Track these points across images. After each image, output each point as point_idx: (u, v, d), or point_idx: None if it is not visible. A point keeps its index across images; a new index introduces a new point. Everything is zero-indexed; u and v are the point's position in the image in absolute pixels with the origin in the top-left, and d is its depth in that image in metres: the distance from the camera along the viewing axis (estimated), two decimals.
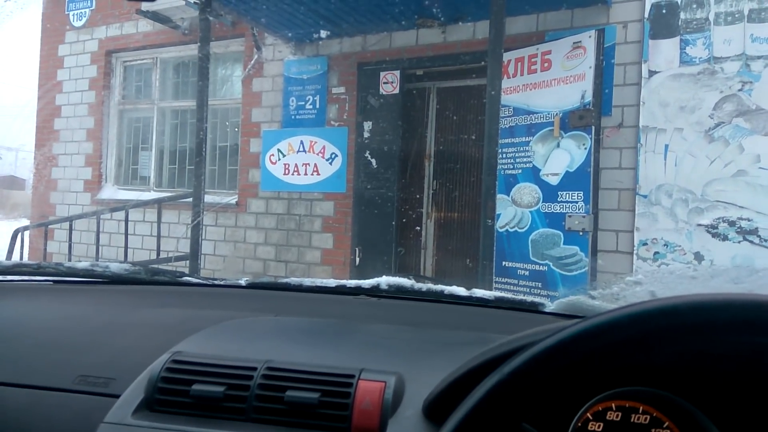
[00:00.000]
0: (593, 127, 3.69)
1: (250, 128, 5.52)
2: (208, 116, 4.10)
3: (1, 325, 1.03)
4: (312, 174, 5.20)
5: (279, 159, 5.33)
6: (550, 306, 1.06)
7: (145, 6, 5.38)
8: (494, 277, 3.47)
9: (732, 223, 3.65)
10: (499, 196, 3.63)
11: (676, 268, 3.53)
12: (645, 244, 3.89)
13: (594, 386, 0.70)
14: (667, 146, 3.87)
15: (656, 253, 3.85)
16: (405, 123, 4.90)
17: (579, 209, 3.69)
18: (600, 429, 0.70)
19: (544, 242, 3.85)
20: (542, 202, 3.90)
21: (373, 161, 4.92)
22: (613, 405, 0.70)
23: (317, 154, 5.19)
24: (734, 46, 3.72)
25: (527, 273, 3.94)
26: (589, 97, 3.70)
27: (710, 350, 0.62)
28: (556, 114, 3.86)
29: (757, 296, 0.46)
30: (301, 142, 5.25)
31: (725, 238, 3.67)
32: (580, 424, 0.69)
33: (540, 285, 3.84)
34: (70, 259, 5.49)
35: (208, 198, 4.50)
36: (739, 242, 3.63)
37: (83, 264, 1.30)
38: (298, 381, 0.72)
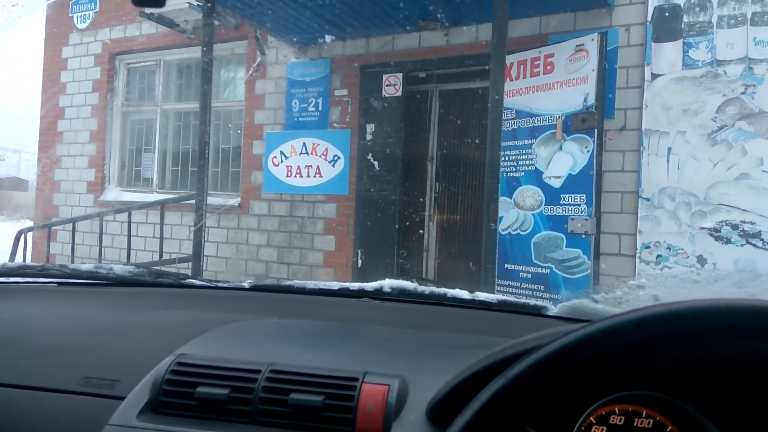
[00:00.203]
0: (596, 130, 3.69)
1: (253, 130, 5.53)
2: (211, 118, 4.11)
3: (6, 327, 1.04)
4: (314, 176, 5.21)
5: (282, 161, 5.34)
6: (553, 309, 1.06)
7: (148, 8, 5.40)
8: (496, 280, 3.47)
9: (735, 227, 3.64)
10: (501, 198, 3.63)
11: (679, 272, 3.53)
12: (648, 247, 3.88)
13: (597, 390, 0.70)
14: (669, 149, 3.87)
15: (659, 256, 3.85)
16: (407, 125, 4.91)
17: (581, 212, 3.69)
18: None
19: (547, 245, 3.85)
20: (545, 204, 3.90)
21: (376, 164, 4.92)
22: (617, 409, 0.70)
23: (320, 157, 5.19)
24: (737, 49, 3.71)
25: (529, 276, 3.94)
26: (591, 100, 3.70)
27: (713, 355, 0.62)
28: (559, 117, 3.86)
29: (759, 302, 0.46)
30: (304, 145, 5.26)
31: (728, 241, 3.66)
32: (583, 428, 0.70)
33: (542, 288, 3.84)
34: (73, 261, 5.50)
35: (210, 200, 4.50)
36: (742, 245, 3.62)
37: (87, 266, 1.31)
38: (302, 384, 0.72)
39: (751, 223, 3.60)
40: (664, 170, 3.88)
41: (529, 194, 4.00)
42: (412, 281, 1.21)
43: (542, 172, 3.94)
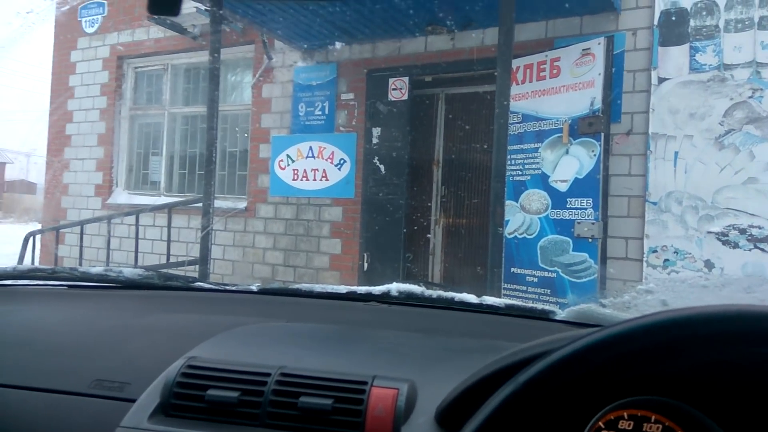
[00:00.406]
0: (602, 134, 3.68)
1: (260, 134, 5.55)
2: (218, 122, 4.13)
3: (18, 329, 1.05)
4: (321, 180, 5.22)
5: (288, 164, 5.36)
6: (561, 314, 1.06)
7: (163, 16, 5.43)
8: (503, 284, 3.46)
9: (743, 231, 3.63)
10: (507, 202, 3.62)
11: (687, 277, 3.51)
12: (655, 251, 3.87)
13: (606, 395, 0.70)
14: (676, 153, 3.86)
15: (666, 260, 3.84)
16: (413, 129, 4.92)
17: (588, 216, 3.68)
18: None
19: (553, 249, 3.84)
20: (551, 208, 3.90)
21: (382, 167, 4.93)
22: (626, 414, 0.70)
23: (326, 160, 5.21)
24: (744, 53, 3.70)
25: (536, 280, 3.93)
26: (598, 104, 3.70)
27: (723, 360, 0.62)
28: (565, 121, 3.86)
29: None
30: (310, 148, 5.27)
31: (736, 245, 3.64)
32: None
33: (549, 292, 3.83)
34: (81, 263, 5.53)
35: (217, 203, 4.52)
36: (749, 250, 3.60)
37: (97, 269, 1.32)
38: (312, 387, 0.73)
39: (759, 228, 3.58)
40: (671, 174, 3.87)
41: (536, 198, 4.00)
42: (419, 285, 1.22)
43: (548, 176, 3.93)
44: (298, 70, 5.36)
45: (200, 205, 4.19)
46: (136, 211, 5.34)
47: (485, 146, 4.62)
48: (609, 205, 3.88)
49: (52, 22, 6.93)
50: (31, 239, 5.73)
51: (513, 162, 4.06)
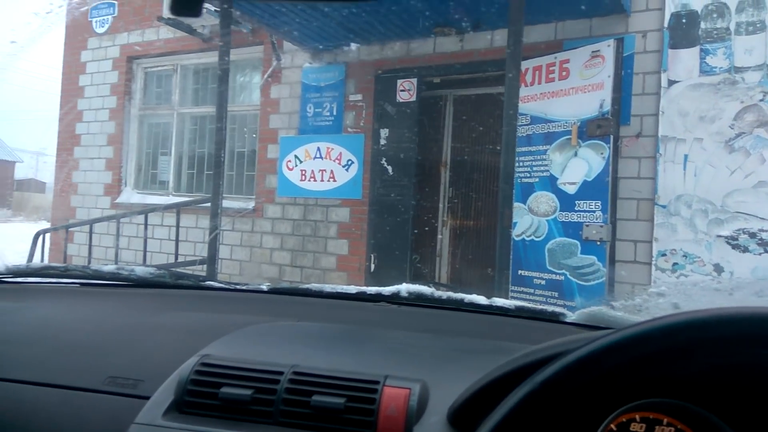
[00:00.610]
0: (612, 137, 3.67)
1: (268, 134, 5.57)
2: (227, 123, 4.15)
3: (32, 326, 1.06)
4: (328, 180, 5.23)
5: (296, 165, 5.37)
6: (572, 316, 1.06)
7: (166, 13, 5.46)
8: (510, 286, 3.46)
9: (753, 235, 3.60)
10: (515, 204, 3.62)
11: (698, 280, 3.49)
12: (664, 254, 3.85)
13: (617, 397, 0.70)
14: (686, 156, 3.84)
15: (675, 264, 3.82)
16: (421, 130, 4.92)
17: (597, 219, 3.67)
18: None
19: (561, 251, 3.83)
20: (559, 211, 3.89)
21: (389, 168, 4.94)
22: (637, 417, 0.70)
23: (334, 161, 5.22)
24: (756, 55, 3.68)
25: (543, 282, 3.92)
26: (607, 106, 3.69)
27: (736, 362, 0.62)
28: (574, 123, 3.85)
29: None
30: (318, 149, 5.29)
31: (746, 249, 3.62)
32: None
33: (556, 294, 3.82)
34: (89, 262, 5.57)
35: (225, 203, 4.54)
36: (759, 254, 3.58)
37: (109, 267, 1.33)
38: (324, 386, 0.73)
39: None
40: (681, 177, 3.85)
41: (544, 200, 3.99)
42: (429, 286, 1.22)
43: (557, 178, 3.92)
44: (306, 70, 5.38)
45: (208, 205, 4.21)
46: (145, 210, 5.37)
47: (493, 148, 4.61)
48: (618, 207, 3.87)
49: (63, 23, 6.99)
50: (40, 237, 5.77)
51: (521, 164, 4.05)
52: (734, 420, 0.67)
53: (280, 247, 5.45)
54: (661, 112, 3.92)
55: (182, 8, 0.43)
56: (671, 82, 3.91)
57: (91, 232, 5.48)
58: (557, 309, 1.12)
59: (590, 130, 3.75)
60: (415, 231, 4.91)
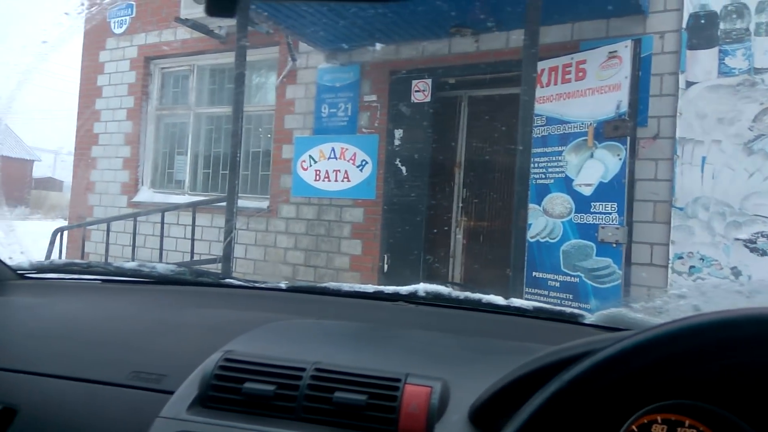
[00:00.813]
0: (629, 138, 3.64)
1: (283, 134, 5.60)
2: (243, 124, 4.18)
3: (56, 320, 1.08)
4: (342, 180, 5.25)
5: (310, 165, 5.40)
6: (591, 318, 1.06)
7: (183, 14, 5.52)
8: (524, 288, 3.44)
9: None
10: (530, 205, 3.60)
11: (720, 282, 3.46)
12: (680, 257, 3.81)
13: (640, 398, 0.70)
14: (704, 158, 3.80)
15: (692, 267, 3.78)
16: (436, 131, 4.92)
17: (613, 221, 3.64)
18: None
19: (576, 253, 3.81)
20: (574, 212, 3.86)
21: (403, 169, 4.94)
22: (659, 418, 0.70)
23: (348, 161, 5.23)
24: None
25: (558, 284, 3.90)
26: (624, 108, 3.66)
27: (761, 362, 0.62)
28: (591, 124, 3.82)
29: None
30: (333, 149, 5.30)
31: (764, 253, 3.57)
32: None
33: (571, 297, 3.80)
34: (106, 260, 5.64)
35: (240, 203, 4.58)
36: None
37: (131, 264, 1.35)
38: (346, 383, 0.74)
39: None
40: (699, 180, 3.81)
41: (559, 202, 3.97)
42: (446, 286, 1.22)
43: (572, 180, 3.90)
44: (321, 71, 5.40)
45: (224, 204, 4.24)
46: (161, 209, 5.42)
47: (508, 149, 4.59)
48: (634, 210, 3.84)
49: (81, 22, 7.07)
50: (58, 235, 5.85)
51: (536, 165, 4.04)
52: (758, 423, 0.67)
53: (294, 247, 5.47)
54: (678, 114, 3.88)
55: (218, 9, 0.44)
56: (689, 84, 3.87)
57: (108, 230, 5.55)
58: (576, 310, 1.11)
59: (607, 132, 3.72)
60: (429, 232, 4.91)
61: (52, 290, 1.30)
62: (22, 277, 1.34)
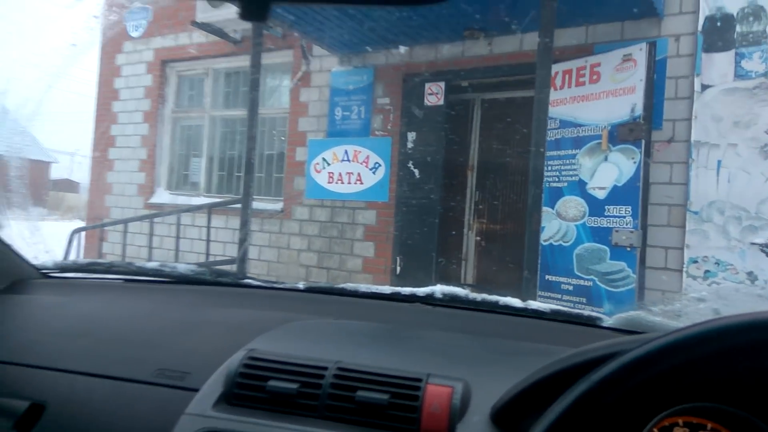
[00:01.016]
0: (643, 141, 3.63)
1: (297, 137, 5.64)
2: (257, 127, 4.21)
3: (82, 319, 1.10)
4: (355, 183, 5.27)
5: (324, 168, 5.42)
6: (608, 321, 1.06)
7: (199, 18, 5.58)
8: (537, 291, 3.43)
9: None
10: (543, 209, 3.59)
11: (740, 286, 3.42)
12: (695, 261, 3.78)
13: (662, 401, 0.71)
14: (720, 162, 3.77)
15: (707, 271, 3.74)
16: (449, 134, 4.92)
17: (627, 224, 3.63)
18: None
19: (590, 257, 3.79)
20: (588, 216, 3.85)
21: (416, 171, 4.95)
22: (680, 421, 0.70)
23: (361, 164, 5.25)
24: None
25: (571, 288, 3.88)
26: (639, 111, 3.64)
27: None
28: (605, 127, 3.81)
29: None
30: (346, 152, 5.33)
31: None
32: None
33: (584, 301, 3.78)
34: (123, 260, 5.70)
35: (254, 204, 4.61)
36: None
37: (152, 264, 1.38)
38: (368, 382, 0.75)
39: None
40: (714, 183, 3.78)
41: (572, 205, 3.95)
42: (463, 288, 1.23)
43: (586, 183, 3.89)
44: (335, 74, 5.43)
45: (238, 206, 4.28)
46: (177, 210, 5.48)
47: (521, 152, 4.59)
48: (649, 213, 3.81)
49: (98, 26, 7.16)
50: (76, 236, 5.93)
51: (549, 168, 4.03)
52: None
53: (307, 249, 5.50)
54: (694, 117, 3.86)
55: (251, 14, 0.46)
56: (705, 87, 3.84)
57: (125, 231, 5.61)
58: (593, 313, 1.12)
59: (621, 135, 3.71)
60: (442, 234, 4.91)
61: (75, 289, 1.32)
62: (46, 276, 1.37)
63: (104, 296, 1.27)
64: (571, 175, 3.99)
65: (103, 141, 6.96)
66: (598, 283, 3.73)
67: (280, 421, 0.74)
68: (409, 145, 5.02)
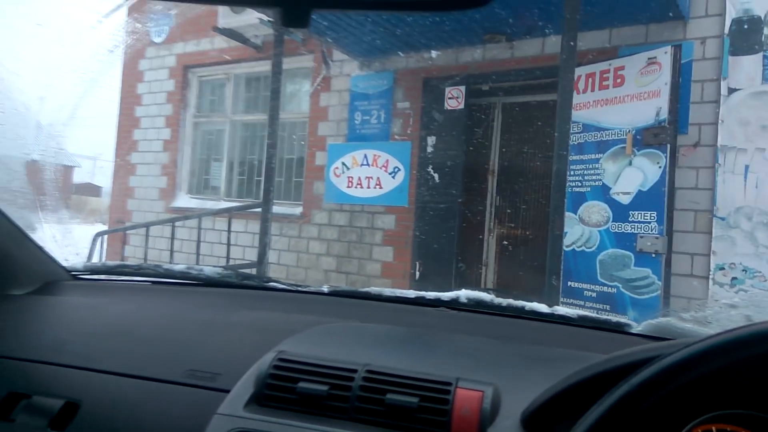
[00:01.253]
0: (669, 146, 3.57)
1: (317, 141, 5.67)
2: (278, 132, 4.24)
3: (113, 319, 1.12)
4: (374, 187, 5.27)
5: (343, 172, 5.44)
6: (637, 327, 1.05)
7: (221, 23, 5.65)
8: (560, 297, 3.40)
9: None
10: (566, 213, 3.56)
11: None
12: (722, 268, 3.71)
13: (696, 407, 0.69)
14: (747, 167, 3.70)
15: (734, 278, 3.67)
16: (469, 138, 4.90)
17: (652, 230, 3.57)
18: None
19: (613, 263, 3.74)
20: (612, 221, 3.80)
21: (436, 176, 4.94)
22: (714, 429, 0.69)
23: (380, 168, 5.26)
24: None
25: (594, 294, 3.83)
26: (664, 114, 3.59)
27: None
28: (629, 131, 3.76)
29: None
30: (365, 156, 5.34)
31: None
32: None
33: (608, 308, 3.73)
34: (145, 263, 5.77)
35: (274, 208, 4.64)
36: None
37: (180, 267, 1.39)
38: (398, 385, 0.75)
39: None
40: (741, 189, 3.71)
41: (595, 210, 3.91)
42: (489, 293, 1.22)
43: (609, 188, 3.84)
44: (355, 78, 5.45)
45: (259, 210, 4.31)
46: (198, 214, 5.54)
47: (543, 156, 4.55)
48: (674, 219, 3.75)
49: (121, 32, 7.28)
50: (99, 239, 6.03)
51: (572, 173, 3.98)
52: None
53: (326, 253, 5.52)
54: (720, 121, 3.79)
55: (292, 21, 0.46)
56: (731, 90, 3.78)
57: (147, 235, 5.69)
58: (621, 320, 1.10)
59: (646, 139, 3.66)
60: (461, 239, 4.89)
61: (105, 291, 1.35)
62: (76, 278, 1.39)
63: (133, 298, 1.29)
64: (594, 180, 3.95)
65: (125, 145, 7.07)
66: (622, 289, 3.68)
67: (311, 423, 0.74)
68: (429, 149, 5.01)
